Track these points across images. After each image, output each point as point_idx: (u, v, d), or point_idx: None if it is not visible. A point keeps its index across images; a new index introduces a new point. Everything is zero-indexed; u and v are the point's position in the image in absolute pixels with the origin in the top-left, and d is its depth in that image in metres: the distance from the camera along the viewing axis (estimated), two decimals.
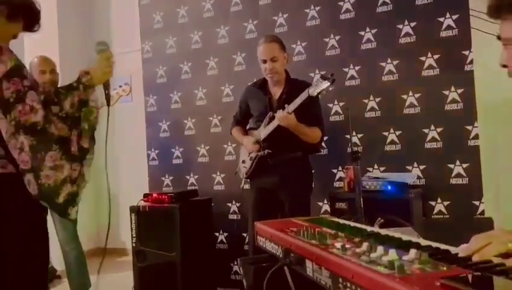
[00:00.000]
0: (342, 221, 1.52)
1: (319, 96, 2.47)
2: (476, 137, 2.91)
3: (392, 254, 0.91)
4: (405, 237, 1.14)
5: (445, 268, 0.81)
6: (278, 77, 2.81)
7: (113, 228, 5.21)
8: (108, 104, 1.94)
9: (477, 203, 2.90)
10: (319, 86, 2.41)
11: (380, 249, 0.94)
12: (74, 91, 1.72)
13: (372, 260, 0.90)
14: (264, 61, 2.78)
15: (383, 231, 1.30)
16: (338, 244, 1.07)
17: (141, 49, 4.17)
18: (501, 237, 0.91)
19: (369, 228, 1.34)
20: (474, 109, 2.92)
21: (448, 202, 2.98)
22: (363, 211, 2.58)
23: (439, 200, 3.00)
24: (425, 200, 2.99)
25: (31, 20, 1.80)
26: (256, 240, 1.58)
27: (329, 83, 2.38)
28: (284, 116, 2.58)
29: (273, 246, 1.40)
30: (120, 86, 3.31)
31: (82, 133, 1.76)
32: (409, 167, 3.10)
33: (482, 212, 2.89)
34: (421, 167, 3.07)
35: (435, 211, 3.02)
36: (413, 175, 3.00)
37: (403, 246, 1.02)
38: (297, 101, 2.54)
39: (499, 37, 1.12)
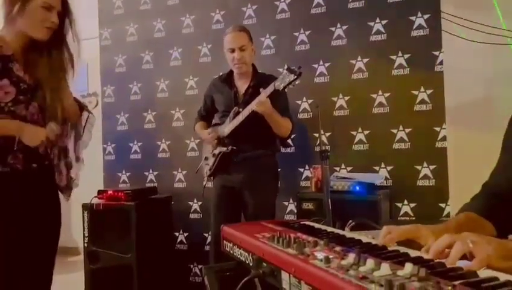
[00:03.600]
0: (317, 225, 1.40)
1: (285, 90, 2.34)
2: (444, 139, 2.89)
3: (385, 268, 0.79)
4: (392, 247, 1.03)
5: (450, 288, 0.70)
6: (245, 68, 2.68)
7: (64, 226, 4.88)
8: None
9: (443, 205, 2.88)
10: (285, 79, 2.29)
11: (370, 262, 0.82)
12: None
13: (363, 275, 0.77)
14: (232, 51, 2.64)
15: (363, 238, 1.19)
16: (319, 255, 0.94)
17: (99, 36, 3.90)
18: (463, 236, 0.90)
19: (347, 234, 1.22)
20: (442, 110, 2.90)
21: (415, 204, 2.95)
22: (331, 212, 2.49)
23: (405, 202, 2.96)
24: (392, 201, 2.95)
25: None
26: (223, 245, 1.43)
27: (295, 77, 2.25)
28: (261, 101, 2.43)
29: (242, 253, 1.25)
30: (89, 94, 2.91)
31: None
32: (376, 168, 3.04)
33: (448, 215, 2.87)
34: (389, 168, 3.01)
35: (401, 213, 2.97)
36: (381, 176, 2.94)
37: (392, 258, 0.91)
38: (263, 95, 2.42)
39: None
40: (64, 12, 1.82)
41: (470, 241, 0.87)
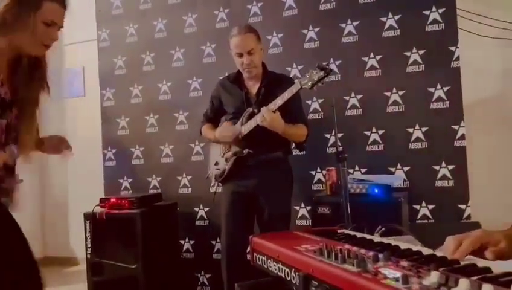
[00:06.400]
0: (359, 234, 1.27)
1: (314, 88, 2.20)
2: (463, 137, 2.78)
3: None
4: (464, 261, 0.90)
5: None
6: (256, 72, 2.53)
7: (62, 235, 4.73)
8: None
9: (463, 207, 2.76)
10: (314, 77, 2.15)
11: (465, 282, 0.68)
12: None
13: None
14: (240, 55, 2.48)
15: (420, 249, 1.06)
16: (387, 272, 0.81)
17: (97, 37, 3.75)
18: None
19: (401, 245, 1.09)
20: (460, 107, 2.79)
21: (434, 206, 2.83)
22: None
23: (423, 204, 2.85)
24: (410, 203, 2.82)
25: None
26: (254, 258, 1.30)
27: (326, 74, 2.12)
28: (269, 118, 2.29)
29: (282, 268, 1.11)
30: None
31: None
32: (392, 169, 2.92)
33: (468, 217, 2.76)
34: (405, 169, 2.89)
35: (419, 215, 2.85)
36: (399, 177, 2.82)
37: (476, 274, 0.78)
38: (287, 95, 2.28)
39: None
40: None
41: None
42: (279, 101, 2.29)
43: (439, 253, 0.98)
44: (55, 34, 1.60)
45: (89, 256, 2.98)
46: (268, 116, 2.29)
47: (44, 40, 1.58)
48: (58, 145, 1.80)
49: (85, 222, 2.99)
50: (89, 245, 2.97)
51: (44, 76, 1.67)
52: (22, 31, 1.52)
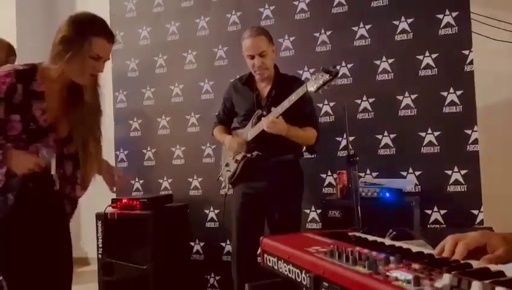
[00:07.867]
0: (370, 237, 1.26)
1: (320, 91, 2.20)
2: (476, 142, 2.75)
3: None
4: (473, 262, 0.89)
5: None
6: (267, 74, 2.54)
7: (73, 235, 4.76)
8: None
9: (475, 212, 2.74)
10: (319, 80, 2.15)
11: (478, 285, 0.68)
12: None
13: None
14: (252, 57, 2.49)
15: (430, 251, 1.05)
16: (399, 274, 0.81)
17: None
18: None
19: (413, 248, 1.08)
20: (474, 112, 2.76)
21: (445, 211, 2.81)
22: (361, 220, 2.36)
23: (435, 209, 2.82)
24: (421, 208, 2.80)
25: None
26: (264, 260, 1.30)
27: (331, 77, 2.12)
28: (272, 123, 2.32)
29: (292, 269, 1.11)
30: None
31: None
32: (404, 173, 2.90)
33: (481, 222, 2.72)
34: (417, 173, 2.88)
35: (431, 220, 2.83)
36: (411, 181, 2.80)
37: (492, 277, 0.77)
38: (293, 98, 2.28)
39: None
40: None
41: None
42: (285, 104, 2.31)
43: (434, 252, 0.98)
44: (101, 66, 1.74)
45: (100, 256, 3.01)
46: (272, 122, 2.32)
47: (90, 72, 1.71)
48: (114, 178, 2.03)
49: (97, 222, 3.02)
50: (101, 245, 3.00)
51: (98, 102, 1.84)
52: (71, 64, 1.66)
